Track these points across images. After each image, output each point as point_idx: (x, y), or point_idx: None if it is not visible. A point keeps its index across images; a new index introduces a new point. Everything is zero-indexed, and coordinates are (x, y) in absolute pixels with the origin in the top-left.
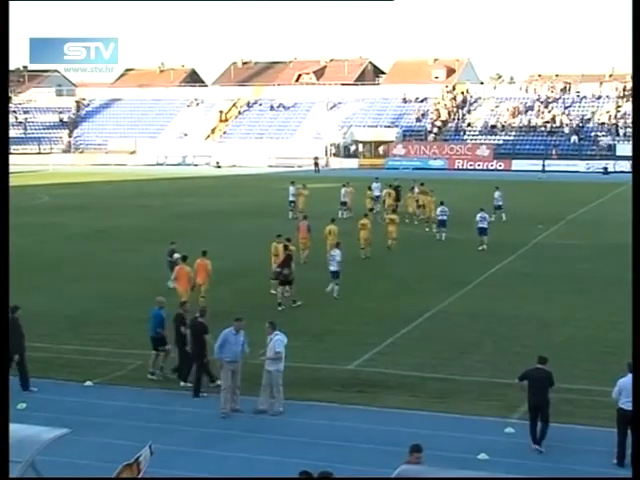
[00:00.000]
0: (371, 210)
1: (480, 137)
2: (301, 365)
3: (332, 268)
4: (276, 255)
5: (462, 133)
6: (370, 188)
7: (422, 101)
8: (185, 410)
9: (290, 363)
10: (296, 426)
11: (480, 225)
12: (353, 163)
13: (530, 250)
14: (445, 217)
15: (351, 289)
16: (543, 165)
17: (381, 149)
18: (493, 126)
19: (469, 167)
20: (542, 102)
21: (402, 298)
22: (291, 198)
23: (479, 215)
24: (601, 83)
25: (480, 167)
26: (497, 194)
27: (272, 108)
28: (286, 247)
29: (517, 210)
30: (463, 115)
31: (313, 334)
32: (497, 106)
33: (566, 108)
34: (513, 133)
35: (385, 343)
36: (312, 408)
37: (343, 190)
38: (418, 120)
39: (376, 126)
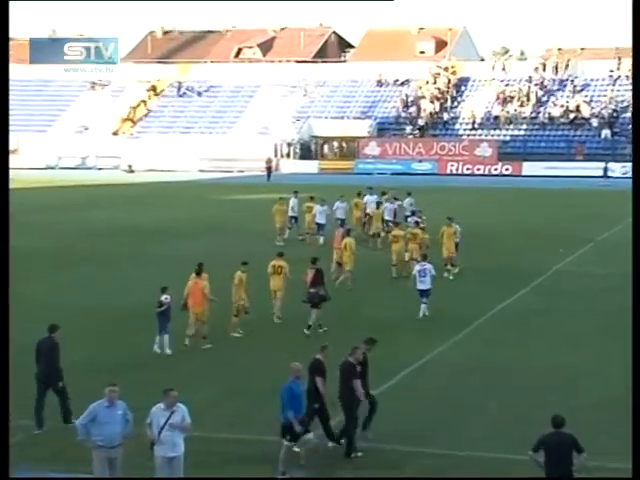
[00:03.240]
0: (363, 226)
1: (480, 132)
2: (246, 437)
3: (420, 287)
4: (239, 284)
5: (456, 127)
6: (379, 203)
7: (403, 84)
8: None
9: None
10: None
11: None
12: (311, 166)
13: (548, 280)
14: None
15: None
16: (605, 169)
17: (349, 148)
18: (497, 117)
19: (465, 172)
20: (563, 85)
21: (379, 345)
22: (291, 213)
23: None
24: None
25: (480, 172)
26: (408, 201)
27: (202, 93)
28: (314, 261)
29: (532, 229)
30: (458, 103)
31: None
32: (503, 91)
33: (595, 93)
34: (524, 127)
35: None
36: None
37: (319, 208)
38: (398, 110)
39: (342, 117)
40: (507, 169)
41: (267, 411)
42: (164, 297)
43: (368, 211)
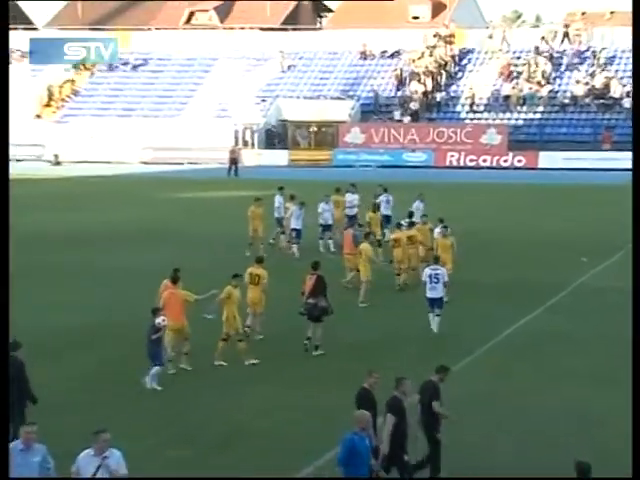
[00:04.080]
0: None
1: (487, 115)
2: None
3: (431, 294)
4: (228, 300)
5: (457, 109)
6: (375, 204)
7: (392, 56)
8: None
9: None
10: None
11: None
12: (280, 158)
13: (568, 298)
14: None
15: (284, 358)
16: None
17: (326, 135)
18: (507, 97)
19: (469, 164)
20: (588, 57)
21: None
22: (277, 214)
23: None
24: None
25: (486, 164)
26: (384, 198)
27: (137, 67)
28: (315, 266)
29: (550, 234)
30: (459, 79)
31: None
32: (514, 65)
33: (627, 67)
34: (540, 108)
35: (329, 455)
36: None
37: (322, 205)
38: (387, 88)
39: (318, 98)
40: (519, 161)
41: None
42: (159, 320)
43: (349, 213)
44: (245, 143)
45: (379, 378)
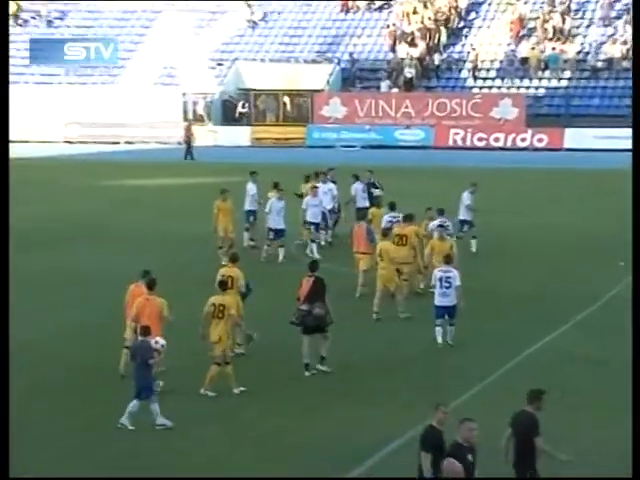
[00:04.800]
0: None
1: (499, 83)
2: None
3: (442, 302)
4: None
5: (462, 75)
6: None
7: (381, 9)
8: None
9: None
10: None
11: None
12: (240, 136)
13: (600, 312)
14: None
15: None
16: None
17: (299, 108)
18: (525, 60)
19: (477, 143)
20: (625, 10)
21: (353, 409)
22: (249, 207)
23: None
24: None
25: (499, 143)
26: (467, 196)
27: (52, 21)
28: (313, 267)
29: (578, 232)
30: (465, 38)
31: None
32: (533, 19)
33: None
34: (566, 74)
35: None
36: None
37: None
38: (375, 48)
39: (288, 60)
40: (541, 139)
41: None
42: (156, 341)
43: (327, 206)
44: (197, 117)
45: (448, 414)
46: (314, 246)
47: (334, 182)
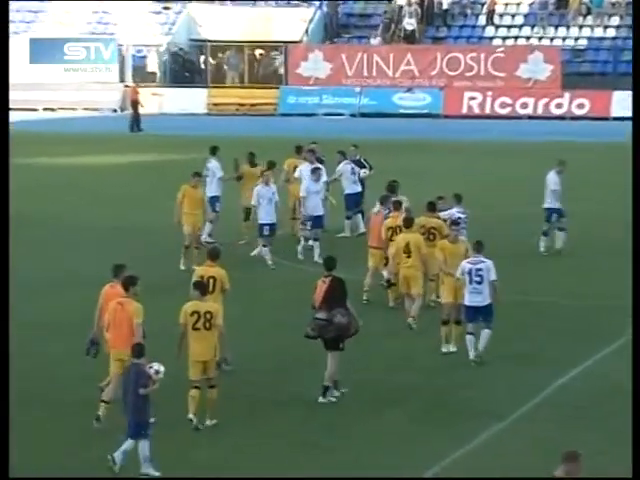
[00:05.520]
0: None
1: (528, 33)
2: None
3: (472, 301)
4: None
5: (480, 23)
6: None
7: None
8: None
9: None
10: None
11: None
12: (195, 101)
13: None
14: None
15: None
16: None
17: (269, 65)
18: (562, 2)
19: (499, 111)
20: None
21: (338, 459)
22: (211, 192)
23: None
24: None
25: (528, 110)
26: (552, 178)
27: None
28: (330, 264)
29: (628, 228)
30: None
31: None
32: None
33: None
34: (614, 22)
35: None
36: None
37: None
38: None
39: (254, 3)
40: (581, 105)
41: None
42: (155, 368)
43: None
44: (138, 77)
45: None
46: (316, 247)
47: (321, 161)
